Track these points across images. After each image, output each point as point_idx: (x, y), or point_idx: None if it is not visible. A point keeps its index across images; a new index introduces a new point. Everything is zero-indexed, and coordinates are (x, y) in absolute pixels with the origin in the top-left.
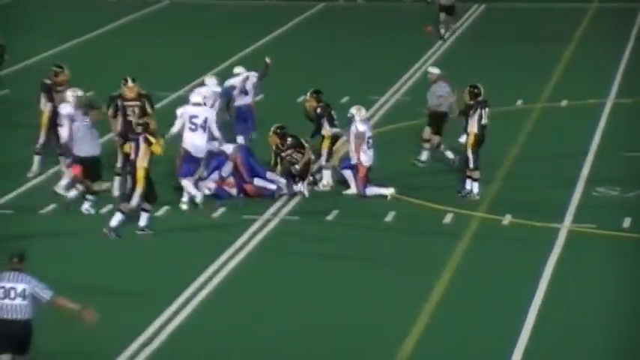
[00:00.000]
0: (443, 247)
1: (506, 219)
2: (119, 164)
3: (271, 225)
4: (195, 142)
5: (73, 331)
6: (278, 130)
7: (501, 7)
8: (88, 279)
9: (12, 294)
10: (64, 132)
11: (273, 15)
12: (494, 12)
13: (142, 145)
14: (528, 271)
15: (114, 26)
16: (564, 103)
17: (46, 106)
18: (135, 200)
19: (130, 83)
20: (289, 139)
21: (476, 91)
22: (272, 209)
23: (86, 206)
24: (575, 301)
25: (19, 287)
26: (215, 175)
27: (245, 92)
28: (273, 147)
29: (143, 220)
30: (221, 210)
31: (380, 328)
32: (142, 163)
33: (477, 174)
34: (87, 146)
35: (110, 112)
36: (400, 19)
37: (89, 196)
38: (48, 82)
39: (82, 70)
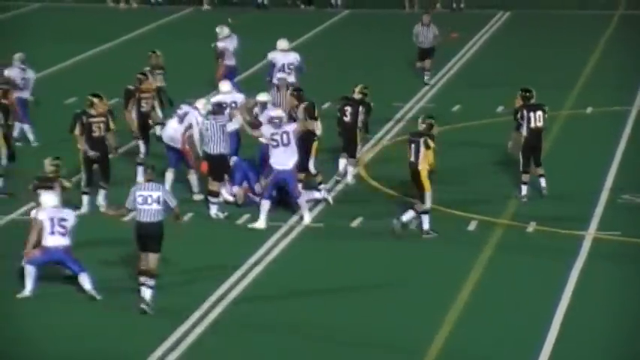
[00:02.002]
0: (467, 254)
1: (531, 226)
2: (84, 183)
3: (296, 231)
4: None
5: (107, 332)
6: (295, 92)
7: (526, 13)
8: (117, 281)
9: (149, 200)
10: (194, 134)
11: (298, 22)
12: (519, 19)
13: (422, 148)
14: (553, 278)
15: (140, 32)
16: (589, 110)
17: (131, 114)
18: (428, 201)
19: (96, 100)
20: (304, 103)
21: (528, 94)
22: (297, 216)
23: (214, 211)
24: (600, 309)
25: (155, 194)
26: (244, 184)
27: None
28: (289, 109)
29: (426, 222)
30: (246, 216)
31: (404, 334)
32: (423, 165)
33: (525, 177)
34: (216, 144)
35: (77, 131)
36: None
37: (212, 199)
38: (131, 88)
39: (108, 74)
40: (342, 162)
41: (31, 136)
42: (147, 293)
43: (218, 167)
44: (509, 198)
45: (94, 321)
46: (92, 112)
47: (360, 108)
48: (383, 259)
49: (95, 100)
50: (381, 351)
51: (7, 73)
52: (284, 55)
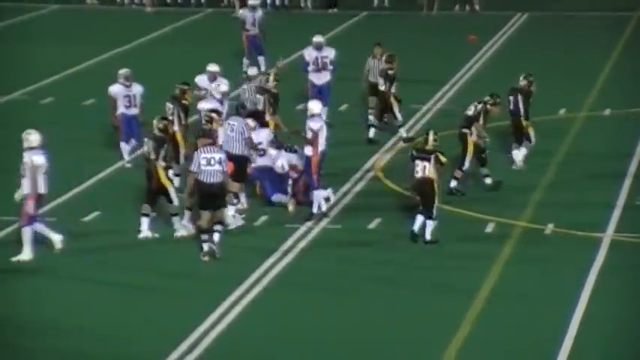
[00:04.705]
0: (485, 256)
1: (549, 228)
2: (189, 195)
3: (313, 233)
4: None
5: (121, 332)
6: None
7: (544, 15)
8: (133, 283)
9: (212, 162)
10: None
11: (313, 24)
12: (537, 20)
13: None
14: (570, 280)
15: (155, 35)
16: (607, 111)
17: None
18: None
19: (215, 115)
20: None
21: None
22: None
23: (231, 213)
24: (618, 311)
25: (217, 156)
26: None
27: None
28: None
29: None
30: (264, 218)
31: (421, 335)
32: None
33: None
34: (239, 145)
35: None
36: (443, 28)
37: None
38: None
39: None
40: (515, 153)
41: (125, 156)
42: (216, 236)
43: (239, 168)
44: (527, 200)
45: (109, 320)
46: (215, 127)
47: (519, 96)
48: (400, 261)
49: (215, 115)
50: (400, 349)
51: (110, 90)
52: (309, 52)
